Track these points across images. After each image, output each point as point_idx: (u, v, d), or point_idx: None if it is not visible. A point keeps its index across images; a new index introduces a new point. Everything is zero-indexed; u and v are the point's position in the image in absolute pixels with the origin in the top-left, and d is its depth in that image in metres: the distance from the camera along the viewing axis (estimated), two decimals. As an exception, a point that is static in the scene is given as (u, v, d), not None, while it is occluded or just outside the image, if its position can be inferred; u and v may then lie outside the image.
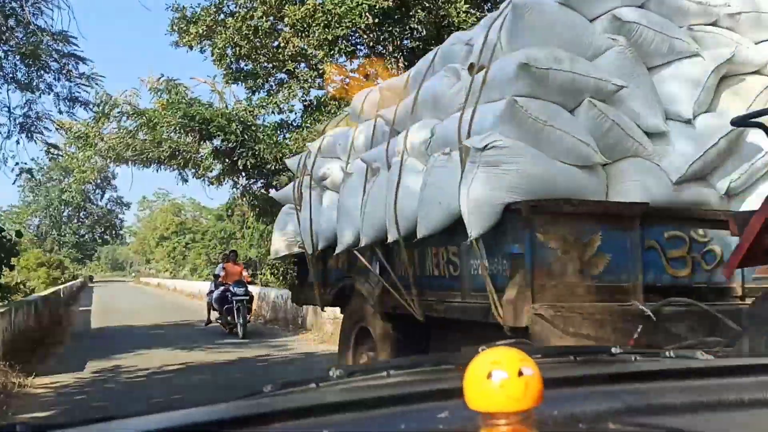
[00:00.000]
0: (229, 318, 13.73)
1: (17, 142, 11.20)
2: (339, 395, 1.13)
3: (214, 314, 14.73)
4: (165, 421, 1.02)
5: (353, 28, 16.12)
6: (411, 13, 15.00)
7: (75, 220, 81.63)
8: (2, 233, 11.20)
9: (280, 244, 6.86)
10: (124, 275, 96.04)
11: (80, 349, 11.78)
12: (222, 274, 14.59)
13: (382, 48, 16.93)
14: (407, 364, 1.47)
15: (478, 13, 14.17)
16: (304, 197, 6.16)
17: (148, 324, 16.54)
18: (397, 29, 16.01)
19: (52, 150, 11.83)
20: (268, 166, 17.09)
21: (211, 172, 20.65)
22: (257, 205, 21.08)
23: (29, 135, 11.12)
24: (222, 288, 14.05)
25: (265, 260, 25.80)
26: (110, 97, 15.97)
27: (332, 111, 17.37)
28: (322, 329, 12.79)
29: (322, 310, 7.86)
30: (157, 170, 22.37)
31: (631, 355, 1.38)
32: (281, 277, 22.39)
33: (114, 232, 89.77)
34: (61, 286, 24.38)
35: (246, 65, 19.27)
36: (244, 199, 21.06)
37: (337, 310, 12.72)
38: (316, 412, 0.94)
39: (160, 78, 17.09)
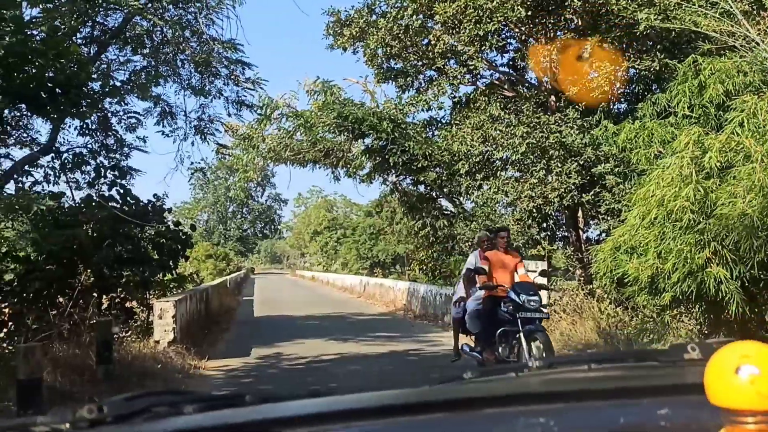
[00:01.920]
0: (503, 348, 7.46)
1: (192, 143, 12.23)
2: (543, 385, 1.10)
3: (461, 339, 8.80)
4: (376, 400, 1.06)
5: (504, 22, 15.91)
6: (566, 3, 14.50)
7: (239, 216, 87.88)
8: (179, 227, 12.27)
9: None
10: (281, 268, 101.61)
11: (245, 336, 12.63)
12: (482, 268, 7.80)
13: (534, 41, 16.55)
14: (608, 358, 1.42)
15: (639, 0, 13.41)
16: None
17: (304, 315, 17.38)
18: (551, 21, 15.57)
19: (221, 150, 12.78)
20: (418, 163, 17.31)
21: (361, 170, 21.32)
22: (407, 201, 21.46)
23: (202, 136, 12.12)
24: (485, 296, 7.73)
25: (414, 256, 26.20)
26: (271, 100, 16.93)
27: (481, 107, 17.27)
28: (472, 326, 12.75)
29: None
30: (312, 169, 23.52)
31: None
32: (429, 273, 22.64)
33: (273, 226, 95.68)
34: (227, 277, 26.29)
35: (396, 64, 19.66)
36: (394, 195, 21.49)
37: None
38: (519, 400, 0.93)
39: (316, 80, 17.88)
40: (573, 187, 14.87)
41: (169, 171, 12.05)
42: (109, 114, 11.03)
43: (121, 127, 11.24)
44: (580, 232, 16.73)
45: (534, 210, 15.24)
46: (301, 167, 23.12)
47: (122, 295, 10.98)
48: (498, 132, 15.93)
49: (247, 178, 21.77)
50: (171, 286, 12.49)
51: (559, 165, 15.05)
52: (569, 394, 0.95)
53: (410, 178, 20.96)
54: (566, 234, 17.11)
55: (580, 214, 16.10)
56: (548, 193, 14.94)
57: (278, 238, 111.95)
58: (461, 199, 17.92)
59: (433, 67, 19.14)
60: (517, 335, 7.07)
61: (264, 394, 1.09)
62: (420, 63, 19.59)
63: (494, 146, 16.44)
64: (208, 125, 12.14)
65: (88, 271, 10.82)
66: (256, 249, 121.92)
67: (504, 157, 16.08)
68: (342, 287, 34.92)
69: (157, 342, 8.89)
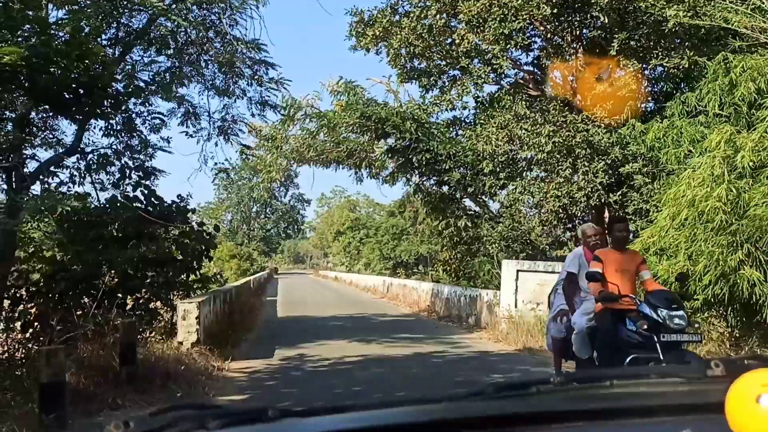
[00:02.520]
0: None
1: (216, 144, 12.23)
2: (564, 403, 1.07)
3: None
4: (395, 416, 1.06)
5: (529, 20, 15.72)
6: (592, 1, 14.26)
7: (262, 216, 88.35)
8: (203, 227, 12.29)
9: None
10: (304, 268, 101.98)
11: (268, 337, 12.61)
12: (596, 272, 5.79)
13: (559, 39, 16.34)
14: (632, 374, 1.37)
15: (668, -5, 13.13)
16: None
17: (327, 315, 17.34)
18: (577, 18, 15.35)
19: (245, 150, 12.76)
20: (442, 163, 17.16)
21: (384, 170, 21.25)
22: (430, 201, 21.34)
23: (226, 137, 12.09)
24: (601, 309, 5.82)
25: (437, 257, 26.03)
26: (295, 100, 16.93)
27: (506, 106, 17.09)
28: (497, 328, 12.60)
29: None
30: (336, 169, 23.52)
31: None
32: (453, 274, 22.49)
33: (296, 227, 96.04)
34: (251, 277, 26.40)
35: (420, 64, 19.55)
36: (417, 195, 21.37)
37: (512, 308, 12.47)
38: (540, 419, 0.93)
39: (339, 81, 17.82)
40: (600, 186, 14.64)
41: (193, 172, 12.13)
42: (134, 115, 11.06)
43: (146, 127, 11.26)
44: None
45: (560, 210, 15.03)
46: (324, 168, 23.12)
47: (146, 296, 11.00)
48: (523, 131, 15.73)
49: (270, 179, 21.82)
50: (195, 286, 12.50)
51: (586, 164, 14.82)
52: (591, 413, 0.95)
53: (433, 178, 20.82)
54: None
55: (606, 214, 15.84)
56: (574, 193, 14.71)
57: (301, 239, 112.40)
58: (486, 199, 17.75)
59: (457, 67, 18.99)
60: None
61: (286, 408, 1.08)
62: (444, 62, 19.45)
63: (519, 145, 16.26)
64: (231, 126, 12.10)
65: (113, 271, 10.88)
66: (280, 249, 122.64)
67: (529, 156, 15.89)
68: (365, 288, 34.88)
69: (181, 343, 8.88)
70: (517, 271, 12.66)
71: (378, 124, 17.22)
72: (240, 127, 12.30)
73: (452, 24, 17.87)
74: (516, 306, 12.50)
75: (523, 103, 16.58)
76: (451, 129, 19.38)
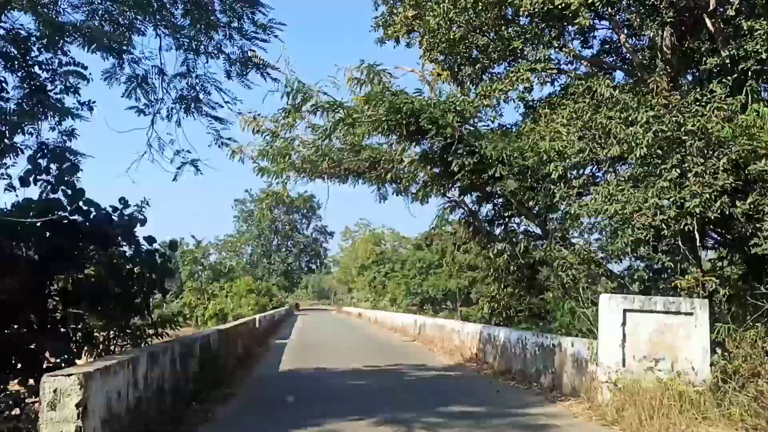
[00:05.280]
0: None
1: (177, 122, 8.30)
2: None
3: None
4: None
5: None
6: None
7: (283, 249, 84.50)
8: (153, 245, 8.31)
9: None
10: (328, 303, 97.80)
11: (254, 411, 8.52)
12: None
13: None
14: None
15: None
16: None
17: (345, 369, 13.18)
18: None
19: (225, 142, 8.83)
20: (491, 169, 13.07)
21: (415, 183, 17.20)
22: (472, 221, 17.20)
23: (189, 110, 8.19)
24: None
25: (482, 291, 21.62)
26: (303, 84, 13.03)
27: (580, 91, 13.05)
28: (595, 397, 8.35)
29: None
30: (355, 184, 19.55)
31: None
32: (503, 313, 18.16)
33: (319, 260, 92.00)
34: (257, 316, 22.39)
35: (462, 49, 15.65)
36: (456, 214, 17.21)
37: (618, 367, 8.26)
38: None
39: (360, 65, 13.85)
40: (719, 191, 10.47)
41: (135, 161, 8.08)
42: (42, 69, 7.22)
43: (58, 85, 7.41)
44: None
45: (663, 225, 10.80)
46: (340, 182, 19.20)
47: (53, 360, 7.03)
48: (608, 120, 11.65)
49: (275, 197, 17.94)
50: (147, 332, 8.51)
51: (700, 161, 10.67)
52: None
53: (475, 194, 16.76)
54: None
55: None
56: (686, 201, 10.54)
57: (326, 273, 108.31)
58: (550, 215, 13.54)
59: (509, 49, 15.07)
60: None
61: None
62: (492, 45, 15.54)
63: (603, 139, 12.16)
64: (198, 95, 8.18)
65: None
66: (303, 284, 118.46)
67: (615, 154, 11.76)
68: (392, 327, 30.56)
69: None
70: (625, 311, 8.45)
71: (410, 117, 13.22)
72: (214, 100, 8.32)
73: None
74: (624, 363, 8.27)
75: (606, 82, 12.51)
76: (505, 127, 15.38)
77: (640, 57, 14.82)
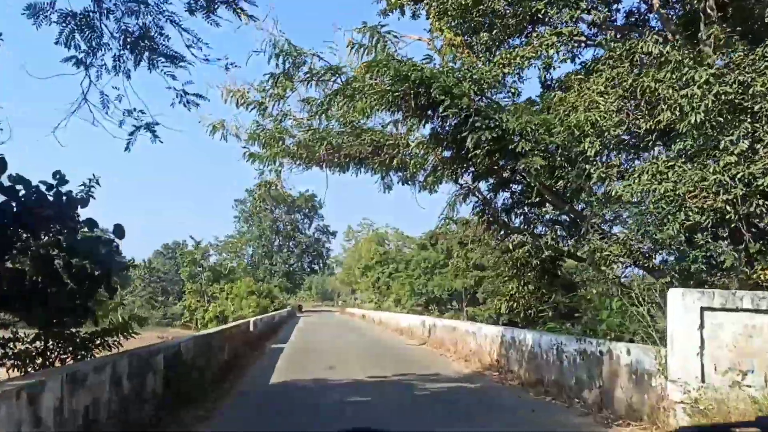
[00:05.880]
0: None
1: (125, 74, 6.47)
2: None
3: None
4: None
5: None
6: None
7: (285, 250, 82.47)
8: (93, 229, 6.46)
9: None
10: (332, 305, 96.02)
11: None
12: None
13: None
14: None
15: None
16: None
17: (347, 379, 11.36)
18: None
19: (191, 99, 6.97)
20: (513, 145, 11.23)
21: (423, 171, 15.36)
22: (485, 211, 15.34)
23: (140, 56, 6.38)
24: None
25: (498, 289, 19.71)
26: (294, 47, 11.20)
27: (617, 53, 11.22)
28: (667, 422, 6.50)
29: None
30: (356, 173, 17.70)
31: None
32: (522, 312, 16.25)
33: (321, 261, 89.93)
34: (251, 319, 20.52)
35: (477, 14, 13.82)
36: (468, 203, 15.36)
37: (697, 382, 6.38)
38: None
39: (362, 26, 11.99)
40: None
41: (65, 118, 6.26)
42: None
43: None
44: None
45: (728, 207, 8.96)
46: (340, 171, 17.38)
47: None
48: (656, 83, 9.80)
49: (269, 187, 16.16)
50: (94, 342, 6.70)
51: (773, 129, 8.87)
52: None
53: (491, 180, 14.93)
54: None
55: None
56: (757, 178, 8.71)
57: (329, 274, 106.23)
58: (585, 200, 11.67)
59: (530, 13, 13.22)
60: None
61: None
62: (510, 11, 13.71)
63: (649, 108, 10.32)
64: (147, 33, 6.33)
65: None
66: (306, 285, 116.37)
67: (664, 124, 9.92)
68: (398, 329, 28.70)
69: None
70: (702, 309, 6.60)
71: (419, 88, 11.40)
72: (170, 45, 6.46)
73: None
74: (703, 378, 6.44)
75: (656, 38, 10.65)
76: (529, 99, 13.55)
77: (675, 27, 12.97)
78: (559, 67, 15.49)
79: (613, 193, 10.21)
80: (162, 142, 7.06)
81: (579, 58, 14.25)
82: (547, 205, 13.53)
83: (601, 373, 8.20)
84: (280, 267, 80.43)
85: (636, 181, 10.00)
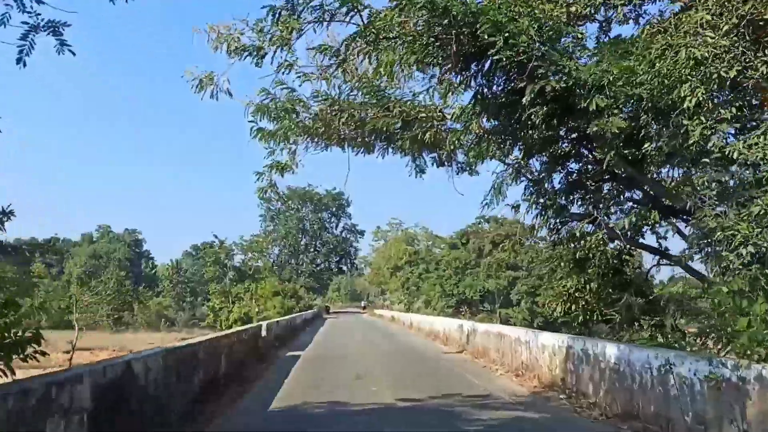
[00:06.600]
0: None
1: (58, 31, 4.08)
2: None
3: None
4: None
5: None
6: None
7: (311, 249, 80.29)
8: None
9: None
10: (363, 306, 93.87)
11: None
12: None
13: None
14: None
15: None
16: None
17: (373, 405, 8.79)
18: None
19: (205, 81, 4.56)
20: (584, 100, 8.58)
21: (466, 137, 12.73)
22: (539, 193, 12.67)
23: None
24: None
25: (550, 285, 16.91)
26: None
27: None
28: None
29: None
30: (383, 154, 15.14)
31: None
32: (581, 315, 13.47)
33: (349, 261, 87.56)
34: (263, 323, 18.14)
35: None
36: (521, 182, 12.72)
37: None
38: None
39: (388, -47, 9.41)
40: None
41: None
42: None
43: None
44: None
45: None
46: (365, 152, 14.88)
47: None
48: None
49: (280, 168, 13.66)
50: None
51: None
52: None
53: (546, 155, 12.28)
54: None
55: None
56: None
57: (358, 275, 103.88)
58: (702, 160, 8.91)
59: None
60: None
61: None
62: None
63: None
64: None
65: None
66: (334, 286, 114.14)
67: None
68: (431, 333, 26.03)
69: None
70: None
71: (462, 28, 8.80)
72: None
73: None
74: None
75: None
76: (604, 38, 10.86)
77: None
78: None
79: (728, 154, 7.50)
80: (74, 54, 4.63)
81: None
82: (625, 182, 10.82)
83: (744, 411, 5.50)
84: (306, 267, 78.29)
85: (760, 137, 7.29)
